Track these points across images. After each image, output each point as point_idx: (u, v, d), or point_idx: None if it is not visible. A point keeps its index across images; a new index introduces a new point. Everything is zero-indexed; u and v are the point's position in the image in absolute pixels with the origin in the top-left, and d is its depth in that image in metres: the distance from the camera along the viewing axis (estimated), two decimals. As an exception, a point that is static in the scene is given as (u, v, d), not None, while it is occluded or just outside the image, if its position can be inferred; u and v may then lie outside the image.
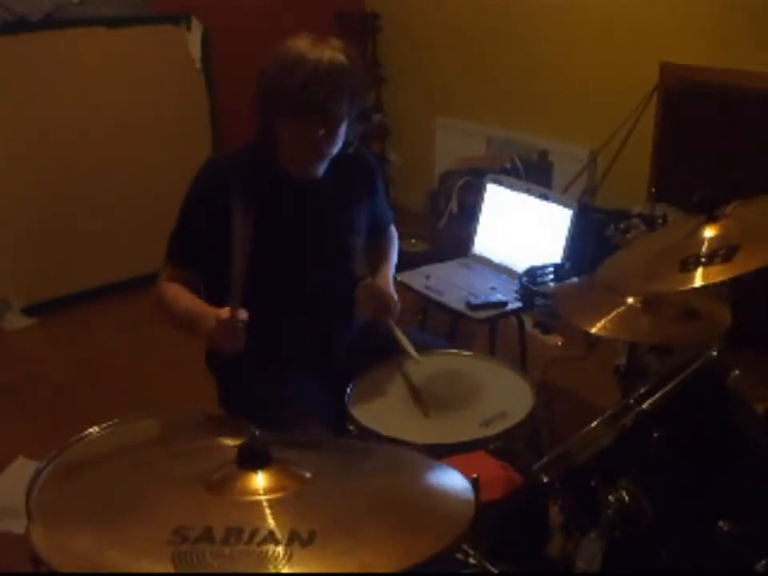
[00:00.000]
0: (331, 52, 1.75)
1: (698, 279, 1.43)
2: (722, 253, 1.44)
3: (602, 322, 1.77)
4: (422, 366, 1.92)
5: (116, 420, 1.67)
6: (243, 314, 1.60)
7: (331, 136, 1.80)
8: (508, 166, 3.50)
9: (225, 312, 1.60)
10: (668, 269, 1.51)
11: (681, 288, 1.47)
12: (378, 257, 2.12)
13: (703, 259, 1.45)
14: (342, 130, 1.82)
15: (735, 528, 1.21)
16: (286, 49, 1.77)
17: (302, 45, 1.76)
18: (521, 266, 2.46)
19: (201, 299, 1.83)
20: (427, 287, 2.51)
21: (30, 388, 3.18)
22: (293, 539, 0.93)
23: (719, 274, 1.42)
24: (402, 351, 1.90)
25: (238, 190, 1.82)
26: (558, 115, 3.80)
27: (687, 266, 1.46)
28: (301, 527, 0.94)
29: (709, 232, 1.54)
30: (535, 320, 3.14)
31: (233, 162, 1.91)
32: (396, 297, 1.97)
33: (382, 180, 2.10)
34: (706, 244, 1.51)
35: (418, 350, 1.96)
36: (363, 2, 4.71)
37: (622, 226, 2.93)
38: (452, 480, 1.13)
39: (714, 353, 1.33)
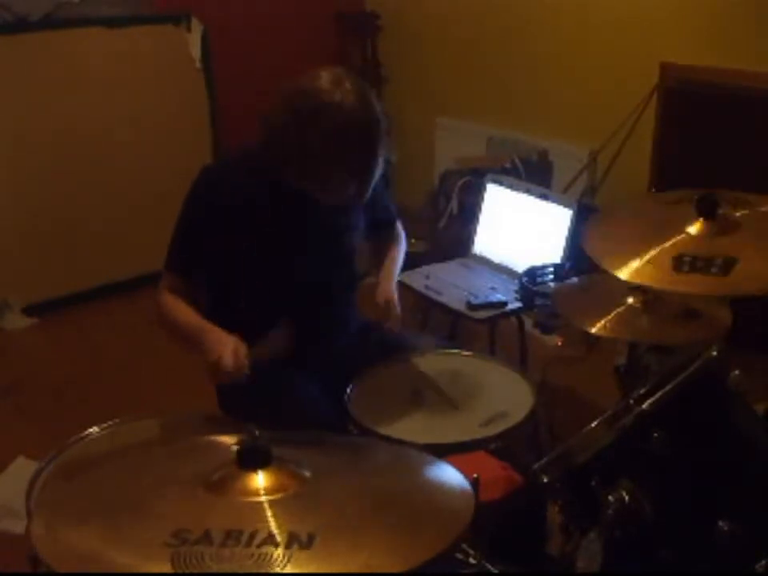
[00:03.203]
0: (361, 103, 1.65)
1: (692, 286, 1.43)
2: (718, 263, 1.44)
3: (602, 321, 1.77)
4: (422, 366, 1.92)
5: (116, 420, 1.68)
6: (244, 354, 1.60)
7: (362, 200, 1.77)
8: (508, 166, 3.49)
9: (227, 350, 1.59)
10: (661, 263, 1.50)
11: (671, 288, 1.47)
12: (382, 256, 2.08)
13: (699, 264, 1.45)
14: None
15: (735, 528, 1.21)
16: (312, 103, 1.64)
17: (329, 97, 1.63)
18: (521, 266, 2.45)
19: (201, 304, 1.82)
20: (427, 287, 2.51)
21: (30, 388, 3.18)
22: (292, 541, 0.93)
23: (714, 287, 1.43)
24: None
25: (235, 197, 1.82)
26: (558, 115, 3.80)
27: (682, 266, 1.46)
28: (300, 529, 0.94)
29: (707, 232, 1.54)
30: (535, 320, 3.13)
31: (230, 169, 1.89)
32: (396, 301, 1.90)
33: (381, 178, 2.08)
34: (702, 245, 1.51)
35: (416, 350, 1.96)
36: (363, 2, 4.71)
37: (621, 226, 2.92)
38: (452, 480, 1.13)
39: (714, 353, 1.33)
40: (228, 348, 1.60)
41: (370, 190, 1.75)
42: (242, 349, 1.61)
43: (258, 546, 0.92)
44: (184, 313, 1.78)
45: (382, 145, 1.69)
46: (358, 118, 1.64)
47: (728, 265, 1.43)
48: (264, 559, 0.90)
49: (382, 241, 2.12)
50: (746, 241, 1.50)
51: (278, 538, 0.93)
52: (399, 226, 2.17)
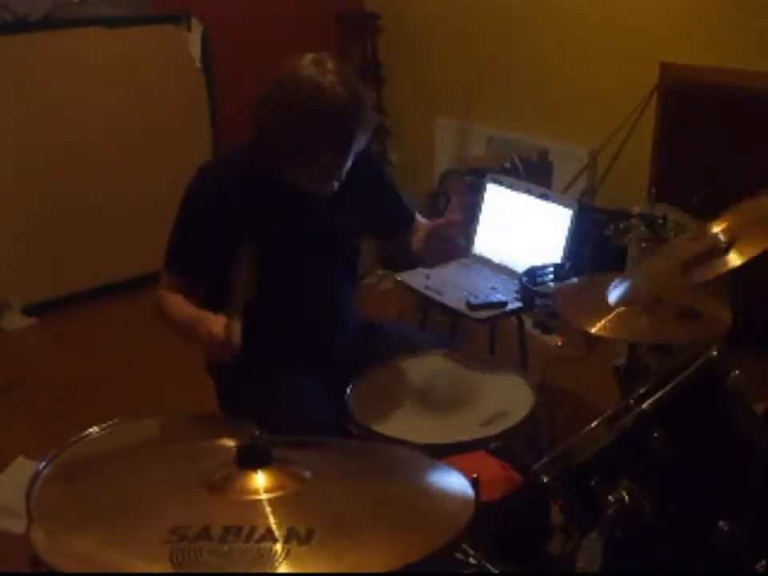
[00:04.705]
0: (341, 82, 1.66)
1: (701, 277, 1.44)
2: (718, 250, 1.45)
3: (602, 321, 1.76)
4: (423, 365, 1.92)
5: (116, 420, 1.67)
6: (237, 328, 1.58)
7: (342, 173, 1.78)
8: (508, 166, 3.49)
9: (219, 325, 1.58)
10: (673, 273, 1.52)
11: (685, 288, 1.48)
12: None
13: (703, 258, 1.46)
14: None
15: (735, 528, 1.21)
16: (290, 79, 1.69)
17: (308, 72, 1.66)
18: (521, 266, 2.45)
19: (200, 303, 1.82)
20: (427, 287, 2.50)
21: (30, 388, 3.18)
22: (290, 537, 0.93)
23: (717, 269, 1.43)
24: None
25: (234, 196, 1.82)
26: (558, 115, 3.80)
27: (689, 267, 1.47)
28: (299, 525, 0.95)
29: (711, 231, 1.54)
30: (535, 320, 3.14)
31: (227, 167, 1.89)
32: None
33: (386, 176, 2.08)
34: (708, 243, 1.51)
35: (416, 349, 1.96)
36: (363, 2, 4.71)
37: (621, 226, 2.93)
38: (452, 480, 1.13)
39: (714, 353, 1.33)
40: (220, 322, 1.59)
41: (346, 167, 1.77)
42: (236, 325, 1.60)
43: (257, 542, 0.92)
44: (181, 305, 1.78)
45: (362, 124, 1.70)
46: (336, 94, 1.66)
47: (726, 248, 1.44)
48: (263, 554, 0.90)
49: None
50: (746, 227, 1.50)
51: (277, 534, 0.93)
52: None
